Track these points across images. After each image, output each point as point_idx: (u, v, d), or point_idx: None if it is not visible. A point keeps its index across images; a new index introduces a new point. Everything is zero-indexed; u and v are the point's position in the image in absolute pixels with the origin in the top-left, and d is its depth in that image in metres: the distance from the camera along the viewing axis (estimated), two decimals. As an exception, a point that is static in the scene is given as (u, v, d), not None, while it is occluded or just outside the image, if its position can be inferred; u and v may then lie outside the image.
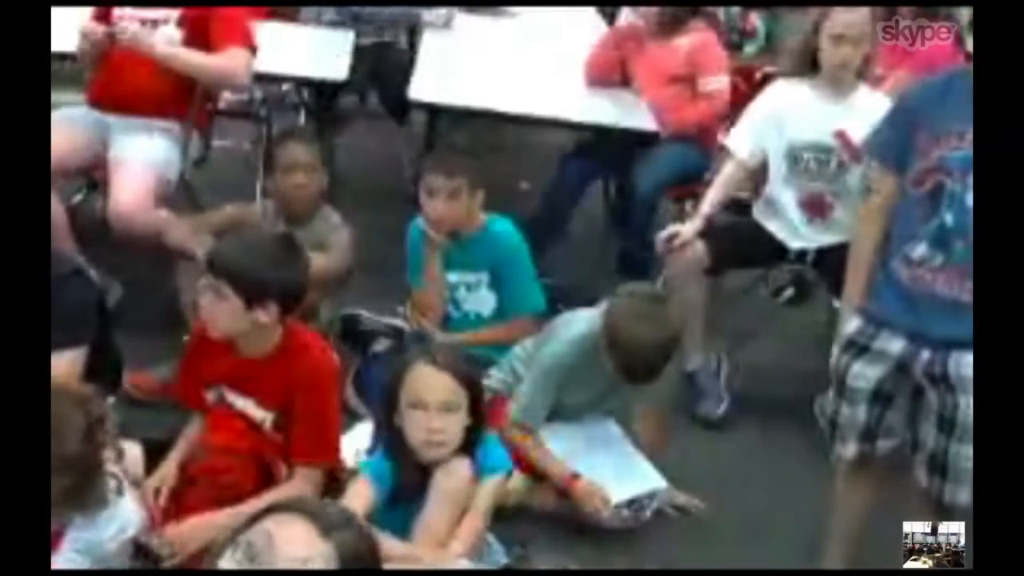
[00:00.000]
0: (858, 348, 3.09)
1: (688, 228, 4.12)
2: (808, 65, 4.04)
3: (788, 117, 4.06)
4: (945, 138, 2.91)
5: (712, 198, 4.17)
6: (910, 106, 3.10)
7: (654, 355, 3.33)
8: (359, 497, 2.88)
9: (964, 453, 2.96)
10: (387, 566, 2.78)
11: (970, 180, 2.87)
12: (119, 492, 2.51)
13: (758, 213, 4.24)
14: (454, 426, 2.88)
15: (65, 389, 2.46)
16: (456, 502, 2.91)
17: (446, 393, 2.87)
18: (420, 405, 2.86)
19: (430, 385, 2.87)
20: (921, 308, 2.97)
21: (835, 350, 3.17)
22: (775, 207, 4.17)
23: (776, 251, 4.18)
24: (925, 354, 2.98)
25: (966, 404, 2.93)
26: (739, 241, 4.18)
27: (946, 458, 3.01)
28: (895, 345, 3.02)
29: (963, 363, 2.92)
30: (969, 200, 2.87)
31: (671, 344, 3.37)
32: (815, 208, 4.09)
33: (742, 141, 4.19)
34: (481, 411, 2.97)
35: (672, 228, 4.15)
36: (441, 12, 5.61)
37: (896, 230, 3.05)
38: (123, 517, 2.55)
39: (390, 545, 2.80)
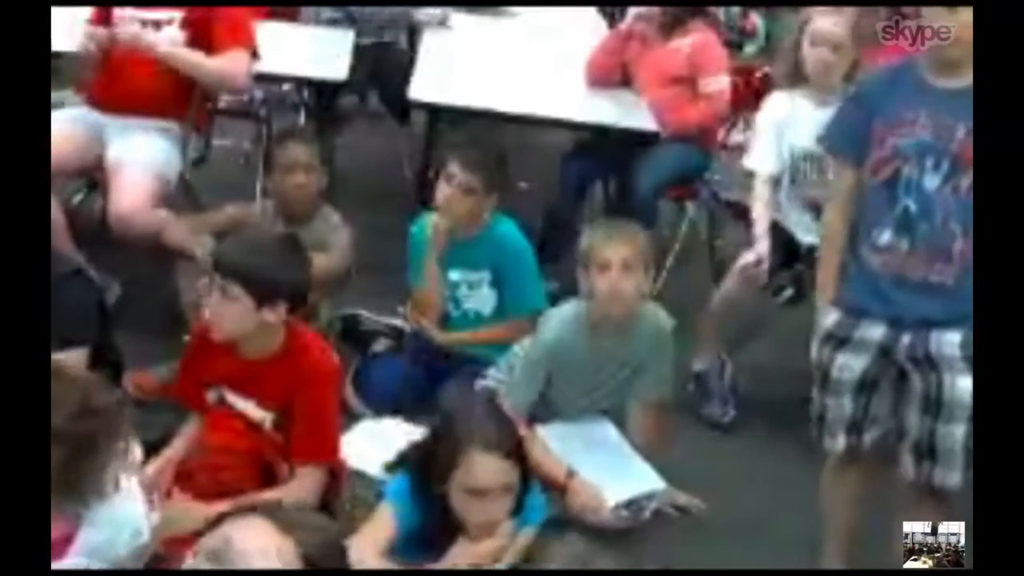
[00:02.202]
0: (838, 340, 3.12)
1: (763, 252, 4.07)
2: (800, 71, 4.06)
3: (787, 129, 4.09)
4: (897, 126, 2.98)
5: (763, 222, 4.12)
6: (862, 98, 3.16)
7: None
8: (382, 528, 2.85)
9: (952, 433, 2.99)
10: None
11: (927, 164, 2.93)
12: (117, 488, 2.45)
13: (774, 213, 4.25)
14: (509, 503, 2.84)
15: (62, 369, 2.43)
16: (484, 560, 2.85)
17: (504, 478, 2.80)
18: (479, 494, 2.79)
19: (489, 474, 2.78)
20: (895, 293, 3.02)
21: (814, 345, 3.18)
22: (785, 209, 4.19)
23: (796, 249, 4.20)
24: (906, 337, 3.02)
25: (951, 382, 2.97)
26: (780, 250, 4.18)
27: (933, 439, 3.03)
28: (876, 332, 3.06)
29: (944, 341, 2.97)
30: (927, 184, 2.94)
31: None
32: (818, 208, 4.10)
33: (763, 158, 4.17)
34: (528, 476, 2.91)
35: (751, 256, 4.07)
36: (435, 12, 5.61)
37: (861, 219, 3.10)
38: (135, 522, 2.52)
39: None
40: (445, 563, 2.83)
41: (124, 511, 2.49)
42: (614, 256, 3.41)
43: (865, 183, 3.07)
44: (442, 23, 5.61)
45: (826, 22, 3.97)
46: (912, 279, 2.99)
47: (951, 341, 2.96)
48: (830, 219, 3.27)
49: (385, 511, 2.89)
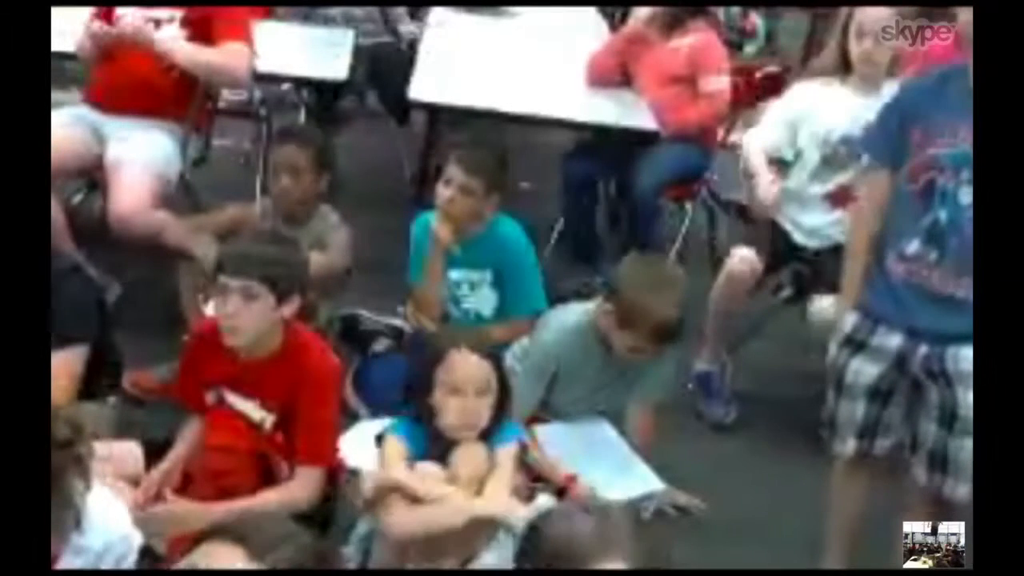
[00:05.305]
0: (855, 345, 3.11)
1: (754, 258, 4.08)
2: (842, 68, 4.05)
3: (822, 112, 4.06)
4: (938, 135, 2.94)
5: (763, 172, 4.11)
6: (904, 104, 3.13)
7: (679, 318, 3.38)
8: (393, 453, 3.00)
9: (965, 447, 2.97)
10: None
11: (963, 176, 2.90)
12: (79, 526, 2.35)
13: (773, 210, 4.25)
14: (487, 409, 3.01)
15: None
16: (472, 485, 2.98)
17: (483, 378, 2.99)
18: (458, 391, 2.97)
19: (468, 371, 2.98)
20: (916, 304, 3.00)
21: (832, 347, 3.18)
22: (796, 203, 4.17)
23: (793, 249, 4.20)
24: (923, 349, 3.00)
25: (965, 398, 2.95)
26: (775, 248, 4.17)
27: (946, 452, 3.02)
28: (893, 340, 3.04)
29: (960, 357, 2.95)
30: (962, 197, 2.90)
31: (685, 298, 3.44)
32: (841, 200, 4.08)
33: (761, 133, 4.19)
34: (507, 390, 3.07)
35: (744, 263, 4.07)
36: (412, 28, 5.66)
37: (890, 226, 3.07)
38: (120, 546, 2.49)
39: (428, 486, 2.94)
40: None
41: (108, 537, 2.46)
42: (669, 317, 3.35)
43: (898, 189, 3.04)
44: (415, 17, 5.64)
45: (869, 14, 3.96)
46: (936, 292, 2.96)
47: (968, 357, 2.92)
48: (860, 223, 3.24)
49: (392, 442, 3.04)
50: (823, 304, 3.83)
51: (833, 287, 3.52)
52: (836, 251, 3.89)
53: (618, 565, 1.94)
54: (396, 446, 3.03)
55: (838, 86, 4.07)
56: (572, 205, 5.04)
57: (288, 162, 3.94)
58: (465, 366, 2.99)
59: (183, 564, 1.86)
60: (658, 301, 3.34)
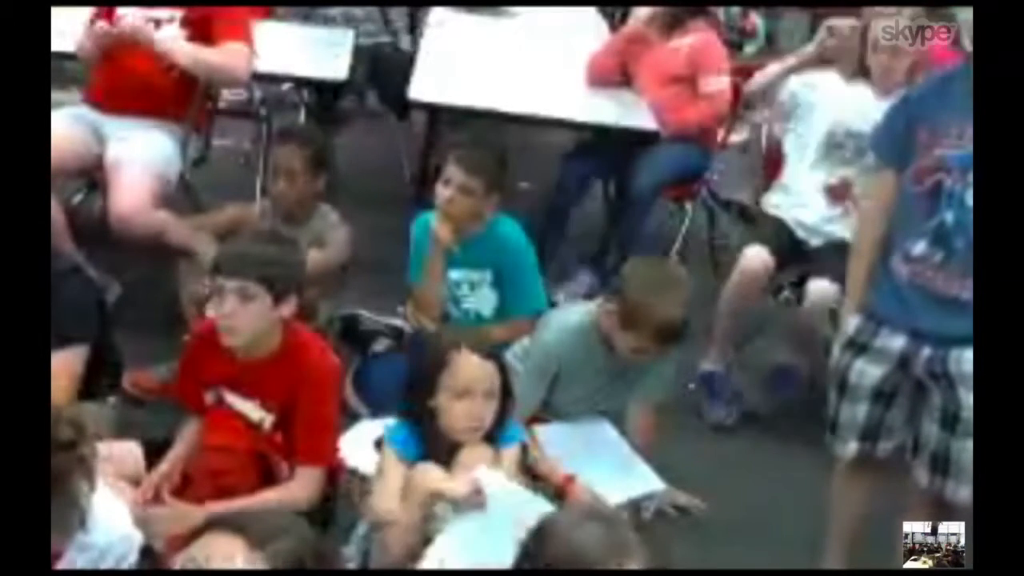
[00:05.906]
0: (858, 347, 3.10)
1: (767, 257, 4.09)
2: (860, 72, 4.08)
3: (832, 102, 4.08)
4: (944, 136, 2.93)
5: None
6: (911, 104, 3.12)
7: (682, 318, 3.34)
8: (392, 475, 2.95)
9: (967, 449, 2.97)
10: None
11: (970, 178, 2.88)
12: (83, 524, 2.36)
13: (771, 207, 4.23)
14: (492, 410, 2.98)
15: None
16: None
17: (489, 380, 2.96)
18: (465, 394, 2.94)
19: (474, 373, 2.95)
20: (921, 305, 2.99)
21: (835, 349, 3.17)
22: (794, 198, 4.16)
23: (796, 244, 4.20)
24: (926, 351, 2.99)
25: (967, 400, 2.94)
26: (780, 245, 4.18)
27: (948, 454, 3.02)
28: (896, 342, 3.04)
29: (963, 359, 2.94)
30: (969, 198, 2.89)
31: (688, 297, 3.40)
32: (840, 194, 4.08)
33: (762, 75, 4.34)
34: (510, 391, 3.05)
35: (758, 262, 4.09)
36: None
37: (896, 227, 3.06)
38: (121, 546, 2.50)
39: (432, 477, 2.90)
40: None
41: (110, 537, 2.46)
42: (673, 318, 3.32)
43: (904, 190, 3.04)
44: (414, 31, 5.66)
45: (882, 27, 3.97)
46: (940, 294, 2.95)
47: (971, 359, 2.92)
48: (866, 224, 3.24)
49: (390, 456, 2.99)
50: (821, 284, 3.84)
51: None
52: (836, 248, 3.91)
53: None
54: (391, 463, 2.98)
55: (859, 86, 4.09)
56: (562, 204, 5.02)
57: (287, 162, 3.94)
58: (470, 369, 2.96)
59: (182, 555, 1.86)
60: (662, 302, 3.33)
